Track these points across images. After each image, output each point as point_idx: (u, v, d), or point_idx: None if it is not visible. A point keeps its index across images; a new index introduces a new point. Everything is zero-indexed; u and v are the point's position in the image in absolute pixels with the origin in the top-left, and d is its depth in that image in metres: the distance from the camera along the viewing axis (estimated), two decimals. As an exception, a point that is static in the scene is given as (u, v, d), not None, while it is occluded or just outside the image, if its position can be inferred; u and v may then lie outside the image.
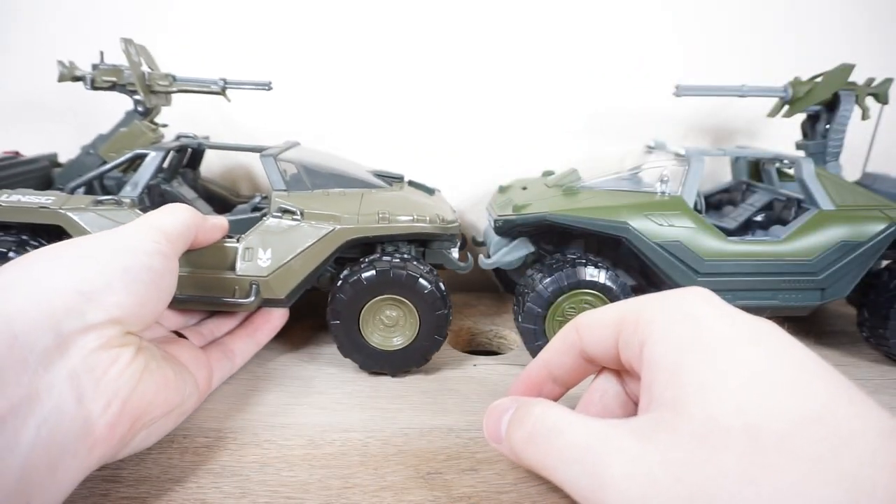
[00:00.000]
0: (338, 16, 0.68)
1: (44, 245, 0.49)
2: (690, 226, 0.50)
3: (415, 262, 0.48)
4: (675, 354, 0.26)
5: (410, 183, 0.60)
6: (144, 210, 0.50)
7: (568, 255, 0.51)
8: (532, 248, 0.55)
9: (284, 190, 0.50)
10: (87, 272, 0.32)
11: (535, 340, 0.50)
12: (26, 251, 0.47)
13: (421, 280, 0.47)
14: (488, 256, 0.55)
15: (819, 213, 0.51)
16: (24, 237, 0.47)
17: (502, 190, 0.63)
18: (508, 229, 0.54)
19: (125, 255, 0.35)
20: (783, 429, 0.22)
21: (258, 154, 0.52)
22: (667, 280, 0.50)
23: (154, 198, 0.54)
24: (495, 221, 0.54)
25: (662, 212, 0.50)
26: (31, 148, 0.62)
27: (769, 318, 0.42)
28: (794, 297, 0.51)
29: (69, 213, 0.47)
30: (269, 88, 0.58)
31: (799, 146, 0.61)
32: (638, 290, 0.53)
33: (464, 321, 0.62)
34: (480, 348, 0.62)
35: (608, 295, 0.49)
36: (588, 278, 0.48)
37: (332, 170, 0.54)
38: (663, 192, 0.52)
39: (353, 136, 0.71)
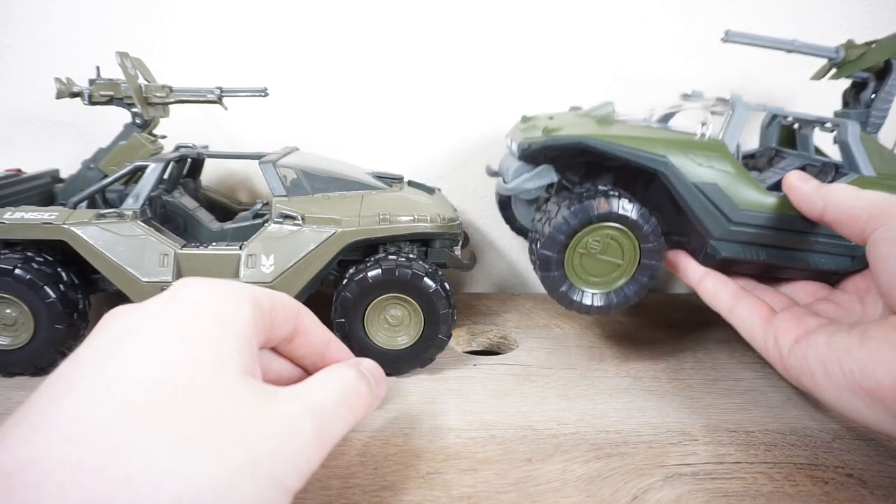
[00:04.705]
0: (332, 17, 0.68)
1: (48, 260, 0.48)
2: (730, 171, 0.47)
3: (420, 262, 0.49)
4: None
5: (410, 183, 0.61)
6: (146, 222, 0.50)
7: (599, 186, 0.49)
8: (556, 177, 0.52)
9: (285, 195, 0.51)
10: None
11: (551, 270, 0.48)
12: (32, 267, 0.47)
13: (426, 279, 0.48)
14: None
15: (859, 178, 0.49)
16: (30, 253, 0.48)
17: (525, 119, 0.59)
18: (536, 153, 0.50)
19: None
20: None
21: (257, 161, 0.52)
22: (696, 225, 0.48)
23: (156, 209, 0.55)
24: (523, 145, 0.50)
25: (703, 152, 0.48)
26: (32, 163, 0.62)
27: (797, 280, 0.46)
28: (825, 260, 0.49)
29: (72, 228, 0.48)
30: (265, 94, 0.59)
31: (838, 115, 0.58)
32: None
33: (464, 321, 0.63)
34: (480, 348, 0.62)
35: (637, 232, 0.47)
36: (620, 212, 0.47)
37: (331, 173, 0.54)
38: (703, 135, 0.50)
39: (352, 138, 0.72)
